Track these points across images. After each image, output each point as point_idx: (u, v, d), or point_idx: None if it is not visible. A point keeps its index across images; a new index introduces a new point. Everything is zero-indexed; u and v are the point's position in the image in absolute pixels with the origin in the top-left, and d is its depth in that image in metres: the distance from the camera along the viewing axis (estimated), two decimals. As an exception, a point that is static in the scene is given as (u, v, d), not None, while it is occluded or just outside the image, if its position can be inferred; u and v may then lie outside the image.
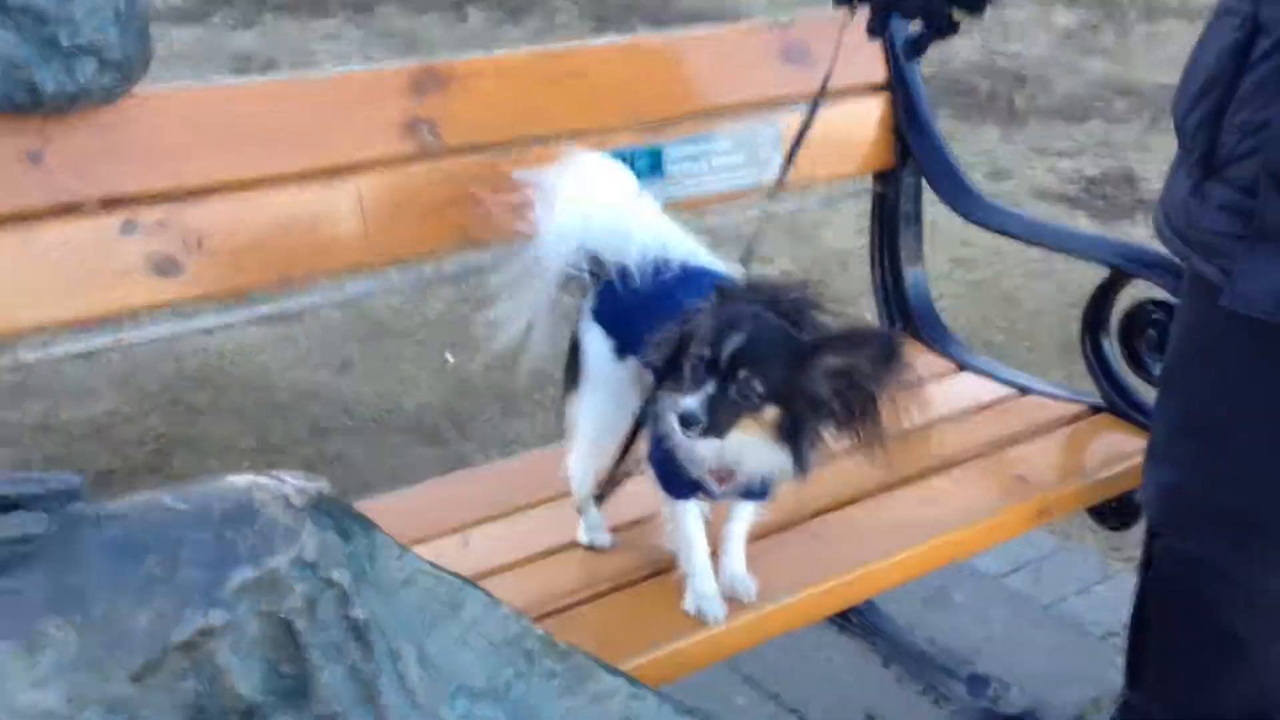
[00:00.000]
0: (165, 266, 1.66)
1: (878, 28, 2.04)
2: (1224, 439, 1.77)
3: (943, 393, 2.39)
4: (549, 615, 1.65)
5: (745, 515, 1.75)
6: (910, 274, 2.53)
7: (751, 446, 1.53)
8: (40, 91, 1.51)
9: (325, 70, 1.84)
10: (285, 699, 1.08)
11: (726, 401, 1.49)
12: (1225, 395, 1.77)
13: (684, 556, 1.70)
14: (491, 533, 1.85)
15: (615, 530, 1.83)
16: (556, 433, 3.30)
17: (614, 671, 1.28)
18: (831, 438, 1.54)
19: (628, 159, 2.06)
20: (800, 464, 1.54)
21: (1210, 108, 1.70)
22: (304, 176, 1.77)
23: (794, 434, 1.52)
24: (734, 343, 1.48)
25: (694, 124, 2.16)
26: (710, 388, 1.48)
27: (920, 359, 2.48)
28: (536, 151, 1.97)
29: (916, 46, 2.06)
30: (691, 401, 1.47)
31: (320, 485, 1.14)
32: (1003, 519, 1.96)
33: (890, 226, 2.53)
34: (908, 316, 2.53)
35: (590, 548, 1.82)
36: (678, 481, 1.64)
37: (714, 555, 1.73)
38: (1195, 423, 1.82)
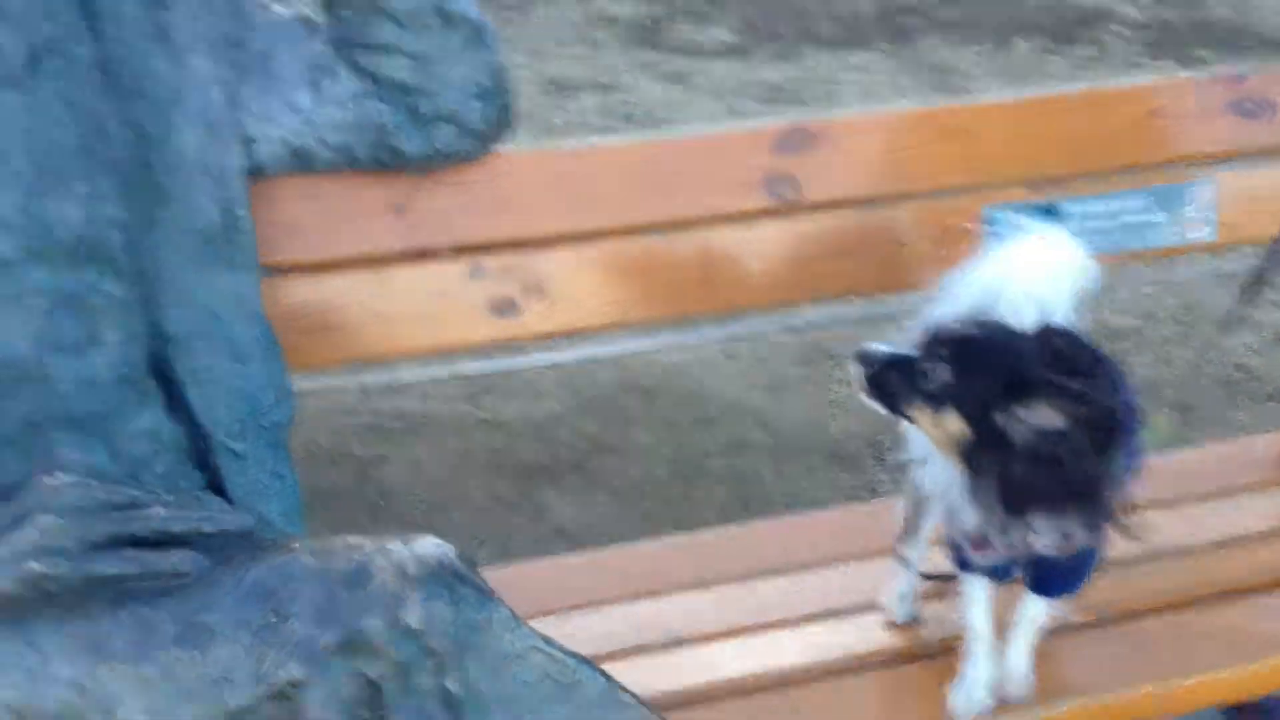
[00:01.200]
0: (503, 307, 1.76)
1: None
2: None
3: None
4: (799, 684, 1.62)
5: (1036, 606, 1.63)
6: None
7: (937, 460, 1.43)
8: (402, 154, 1.66)
9: (688, 130, 1.87)
10: None
11: (909, 370, 1.41)
12: None
13: (966, 638, 1.60)
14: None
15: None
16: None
17: None
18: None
19: (1014, 216, 1.95)
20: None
21: None
22: (646, 229, 1.82)
23: (980, 467, 1.37)
24: (948, 330, 1.40)
25: (1103, 182, 1.99)
26: (902, 350, 1.42)
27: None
28: (910, 209, 1.92)
29: None
30: (876, 346, 1.42)
31: (444, 553, 1.18)
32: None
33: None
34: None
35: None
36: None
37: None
38: None
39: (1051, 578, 1.59)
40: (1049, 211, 1.97)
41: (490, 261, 1.76)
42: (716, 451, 3.30)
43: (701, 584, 1.84)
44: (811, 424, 3.42)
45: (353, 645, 1.15)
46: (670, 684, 1.62)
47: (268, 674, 1.14)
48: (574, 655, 1.22)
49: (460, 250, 1.76)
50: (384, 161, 1.66)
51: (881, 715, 1.58)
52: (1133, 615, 1.77)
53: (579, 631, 1.71)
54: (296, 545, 1.22)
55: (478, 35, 1.63)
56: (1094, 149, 1.96)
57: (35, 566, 1.15)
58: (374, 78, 1.61)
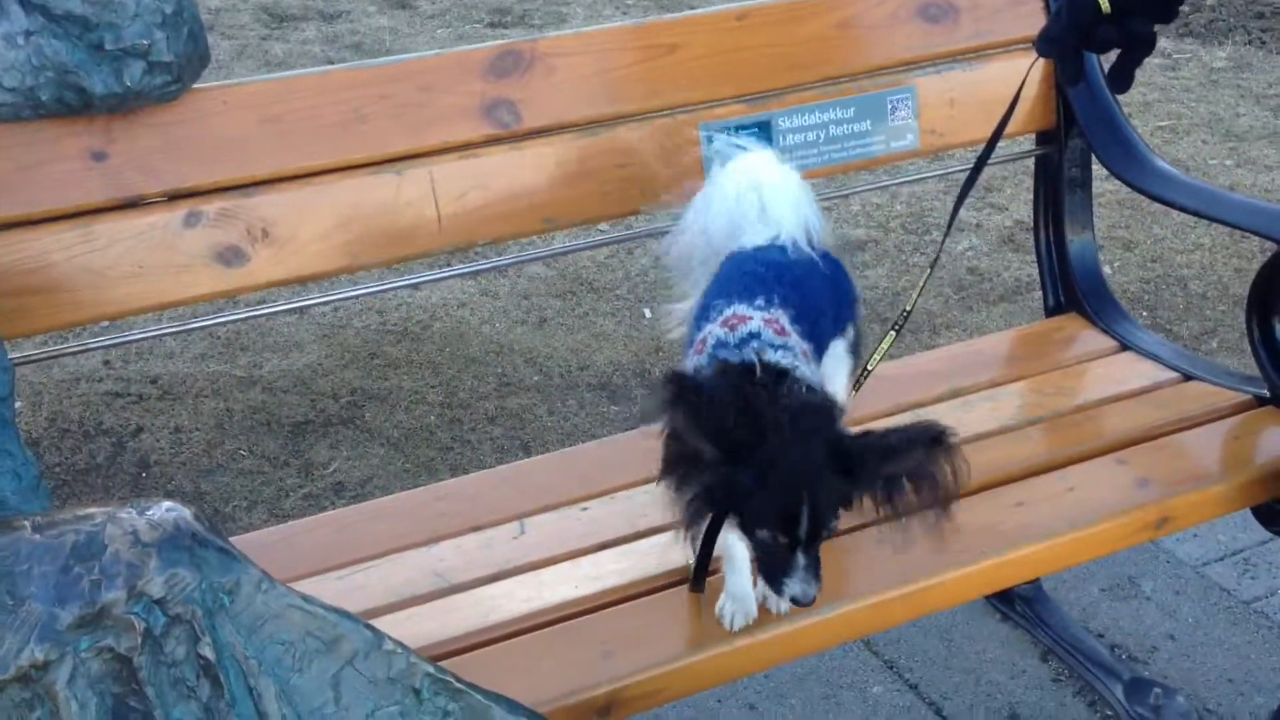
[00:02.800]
0: (229, 256, 1.71)
1: (1072, 76, 1.95)
2: None
3: (1101, 375, 2.20)
4: (570, 618, 1.62)
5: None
6: (1075, 244, 2.33)
7: None
8: (90, 93, 1.58)
9: (400, 58, 1.83)
10: None
11: (814, 559, 1.43)
12: None
13: (726, 555, 1.63)
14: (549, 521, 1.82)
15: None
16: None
17: (515, 710, 1.24)
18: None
19: (730, 133, 1.99)
20: None
21: None
22: (372, 164, 1.79)
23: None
24: (804, 522, 1.40)
25: (811, 93, 2.05)
26: (801, 561, 1.42)
27: (1081, 335, 2.31)
28: (633, 129, 1.93)
29: (1120, 80, 1.89)
30: (798, 588, 1.42)
31: (180, 516, 1.15)
32: (1118, 525, 1.78)
33: (1053, 192, 2.33)
34: (1071, 290, 2.34)
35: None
36: None
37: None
38: None
39: None
40: (762, 127, 2.01)
41: (207, 207, 1.71)
42: (487, 393, 3.29)
43: (474, 528, 1.81)
44: (578, 357, 3.44)
45: (94, 620, 1.11)
46: (447, 630, 1.60)
47: (7, 659, 1.08)
48: (335, 610, 1.19)
49: (173, 197, 1.69)
50: (72, 104, 1.58)
51: (659, 638, 1.59)
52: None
53: (355, 589, 1.69)
54: (22, 522, 1.16)
55: None
56: (797, 60, 2.01)
57: None
58: (45, 12, 1.53)
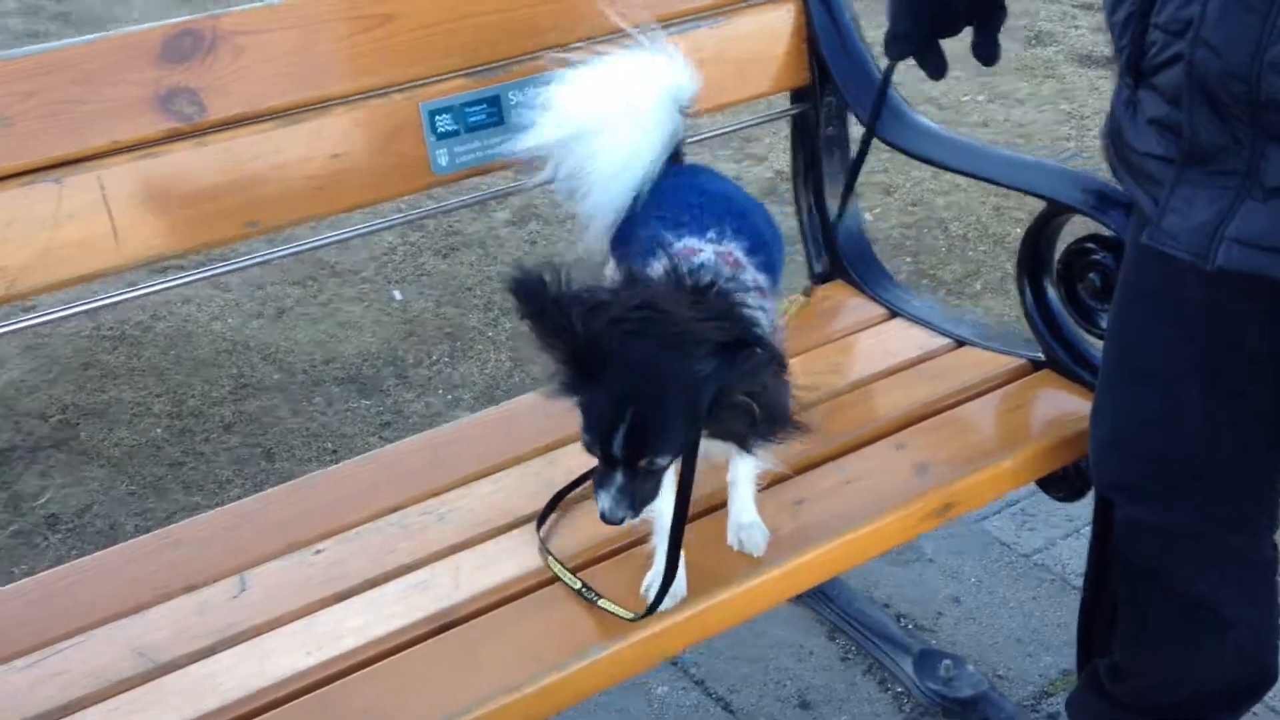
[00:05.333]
0: None
1: (935, 67, 1.76)
2: (1170, 387, 1.57)
3: (871, 345, 2.08)
4: (301, 693, 1.40)
5: (746, 463, 1.55)
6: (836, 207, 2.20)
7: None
8: None
9: (59, 43, 1.54)
10: None
11: (638, 486, 1.35)
12: (1171, 341, 1.56)
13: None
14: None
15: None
16: (505, 376, 3.07)
17: None
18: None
19: (458, 110, 1.77)
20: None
21: (1136, 3, 1.43)
22: (23, 173, 1.50)
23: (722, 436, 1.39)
24: (622, 436, 1.31)
25: (544, 62, 1.83)
26: (618, 479, 1.34)
27: (849, 304, 2.19)
28: (335, 117, 1.69)
29: (987, 51, 1.73)
30: (606, 502, 1.34)
31: None
32: (901, 518, 1.66)
33: (811, 152, 2.19)
34: (835, 255, 2.21)
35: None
36: None
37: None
38: (1139, 369, 1.61)
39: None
40: (491, 103, 1.80)
41: None
42: (221, 398, 3.00)
43: (188, 588, 1.55)
44: (323, 350, 3.17)
45: None
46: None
47: None
48: None
49: None
50: None
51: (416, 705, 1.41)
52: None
53: (51, 675, 1.43)
54: None
55: None
56: (527, 27, 1.81)
57: None
58: None
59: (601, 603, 1.48)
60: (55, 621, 1.52)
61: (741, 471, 1.57)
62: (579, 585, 1.51)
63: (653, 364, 1.31)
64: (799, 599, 2.44)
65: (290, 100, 1.65)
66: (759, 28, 2.02)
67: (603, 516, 1.35)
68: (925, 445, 1.76)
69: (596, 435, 1.33)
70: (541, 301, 1.28)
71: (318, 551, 1.59)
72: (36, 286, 1.52)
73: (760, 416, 1.35)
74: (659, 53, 1.64)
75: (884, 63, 1.84)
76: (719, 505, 1.62)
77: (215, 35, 1.60)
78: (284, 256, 1.81)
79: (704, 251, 1.45)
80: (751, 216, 1.57)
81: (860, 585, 2.48)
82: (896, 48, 1.72)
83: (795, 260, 2.26)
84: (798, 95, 2.15)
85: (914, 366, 2.01)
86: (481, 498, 1.68)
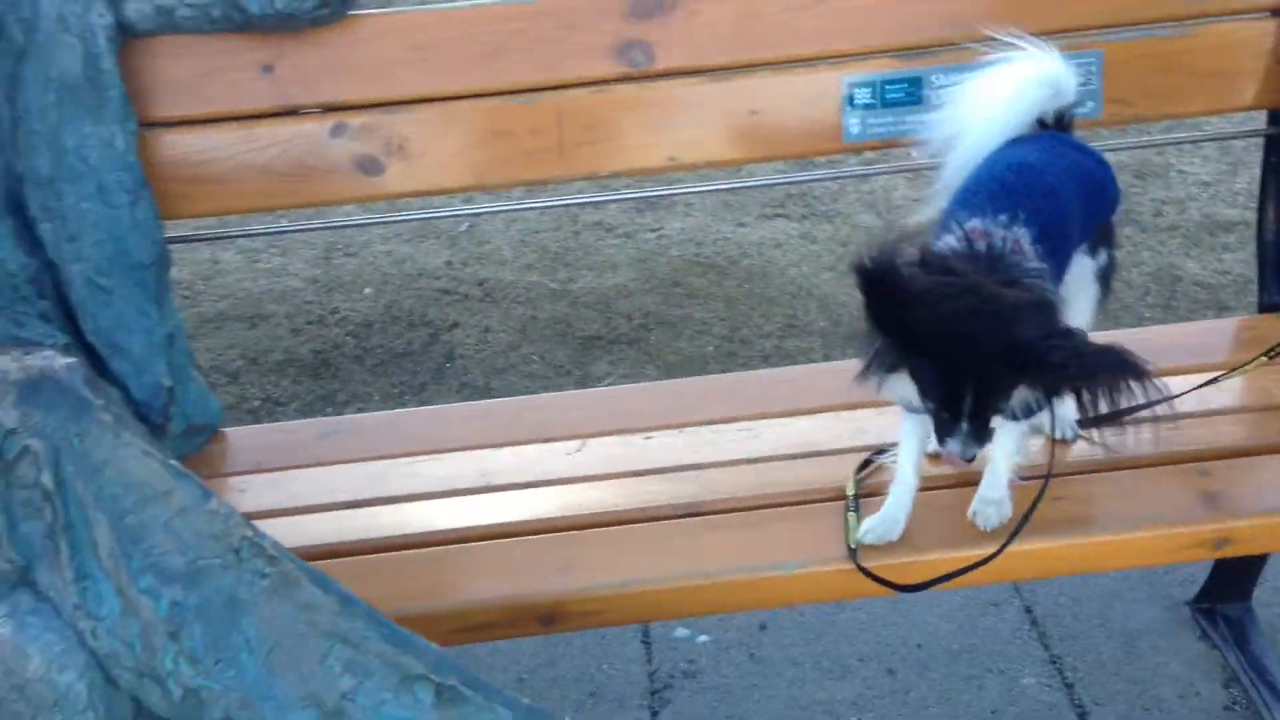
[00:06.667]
0: (366, 165, 1.94)
1: None
2: None
3: None
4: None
5: (1009, 440, 1.67)
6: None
7: None
8: (248, 12, 1.85)
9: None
10: None
11: (978, 431, 1.53)
12: None
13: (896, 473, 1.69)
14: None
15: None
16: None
17: (324, 585, 1.38)
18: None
19: (878, 86, 1.97)
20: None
21: None
22: (505, 93, 1.94)
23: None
24: (969, 401, 1.49)
25: (972, 52, 1.96)
26: (963, 428, 1.52)
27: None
28: (764, 75, 1.96)
29: None
30: (956, 445, 1.52)
31: (49, 366, 1.37)
32: (1155, 537, 1.63)
33: (1285, 179, 2.09)
34: (1295, 288, 2.09)
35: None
36: None
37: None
38: None
39: None
40: (913, 84, 1.97)
41: (354, 120, 1.94)
42: (770, 332, 3.38)
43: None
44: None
45: None
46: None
47: None
48: (173, 468, 1.40)
49: (326, 109, 1.94)
50: (236, 21, 1.85)
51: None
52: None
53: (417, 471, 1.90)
54: None
55: None
56: (960, 16, 1.93)
57: None
58: None
59: (849, 516, 1.65)
60: (429, 439, 1.97)
61: (1000, 450, 1.65)
62: (853, 491, 1.69)
63: (979, 331, 1.45)
64: (1213, 642, 2.34)
65: (726, 60, 1.95)
66: (1231, 41, 1.98)
67: (956, 455, 1.52)
68: (1232, 479, 1.69)
69: (941, 401, 1.50)
70: (883, 284, 1.46)
71: (647, 437, 1.91)
72: (495, 181, 1.97)
73: (1079, 371, 1.44)
74: (1043, 56, 1.72)
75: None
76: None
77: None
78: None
79: (992, 236, 1.56)
80: (1059, 194, 1.62)
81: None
82: None
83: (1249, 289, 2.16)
84: (1276, 116, 2.06)
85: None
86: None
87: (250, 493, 1.87)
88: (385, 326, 3.52)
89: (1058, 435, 1.76)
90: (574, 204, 3.71)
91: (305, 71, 1.92)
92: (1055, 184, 1.64)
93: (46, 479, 1.36)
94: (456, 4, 1.95)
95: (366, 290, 3.68)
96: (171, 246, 1.93)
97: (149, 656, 1.34)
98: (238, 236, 3.60)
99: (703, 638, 2.44)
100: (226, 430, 2.05)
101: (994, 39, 1.75)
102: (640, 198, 3.73)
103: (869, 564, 1.61)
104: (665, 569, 1.63)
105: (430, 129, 1.95)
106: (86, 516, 1.36)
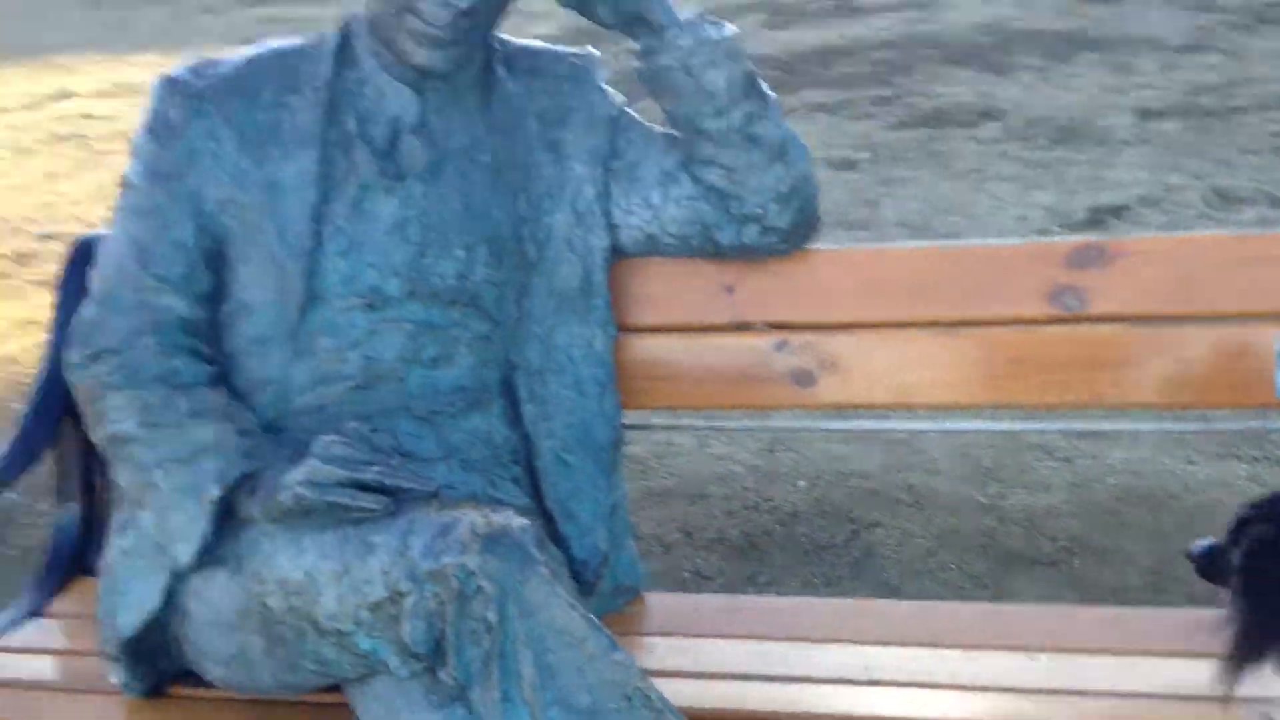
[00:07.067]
0: (800, 377, 2.17)
1: None
2: None
3: None
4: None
5: None
6: None
7: None
8: (719, 244, 2.13)
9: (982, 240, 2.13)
10: (434, 654, 1.66)
11: None
12: None
13: None
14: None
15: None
16: None
17: None
18: None
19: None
20: None
21: None
22: (933, 324, 2.12)
23: None
24: None
25: None
26: None
27: None
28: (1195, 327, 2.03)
29: None
30: None
31: (509, 525, 1.66)
32: None
33: None
34: None
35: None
36: None
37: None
38: None
39: None
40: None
41: (795, 338, 2.17)
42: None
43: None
44: None
45: (434, 573, 1.67)
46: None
47: (391, 582, 1.69)
48: (588, 620, 1.65)
49: (773, 326, 2.19)
50: (707, 250, 2.15)
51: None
52: None
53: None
54: (433, 504, 1.75)
55: (780, 152, 2.07)
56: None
57: (301, 491, 1.79)
58: (703, 184, 2.11)
59: None
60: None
61: None
62: None
63: None
64: None
65: (1153, 310, 2.04)
66: None
67: None
68: None
69: None
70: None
71: (1032, 658, 1.99)
72: (916, 402, 2.16)
73: None
74: None
75: None
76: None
77: (1113, 252, 2.06)
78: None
79: None
80: None
81: None
82: None
83: None
84: None
85: None
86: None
87: (656, 653, 2.10)
88: (812, 519, 3.71)
89: None
90: (1015, 429, 3.77)
91: (760, 294, 2.19)
92: None
93: (492, 615, 1.64)
94: (892, 245, 2.16)
95: (800, 483, 3.90)
96: (628, 430, 2.22)
97: (551, 777, 1.59)
98: (685, 428, 3.93)
99: None
100: (646, 594, 2.30)
101: None
102: (1086, 431, 3.76)
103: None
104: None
105: (857, 350, 2.15)
106: (517, 651, 1.63)
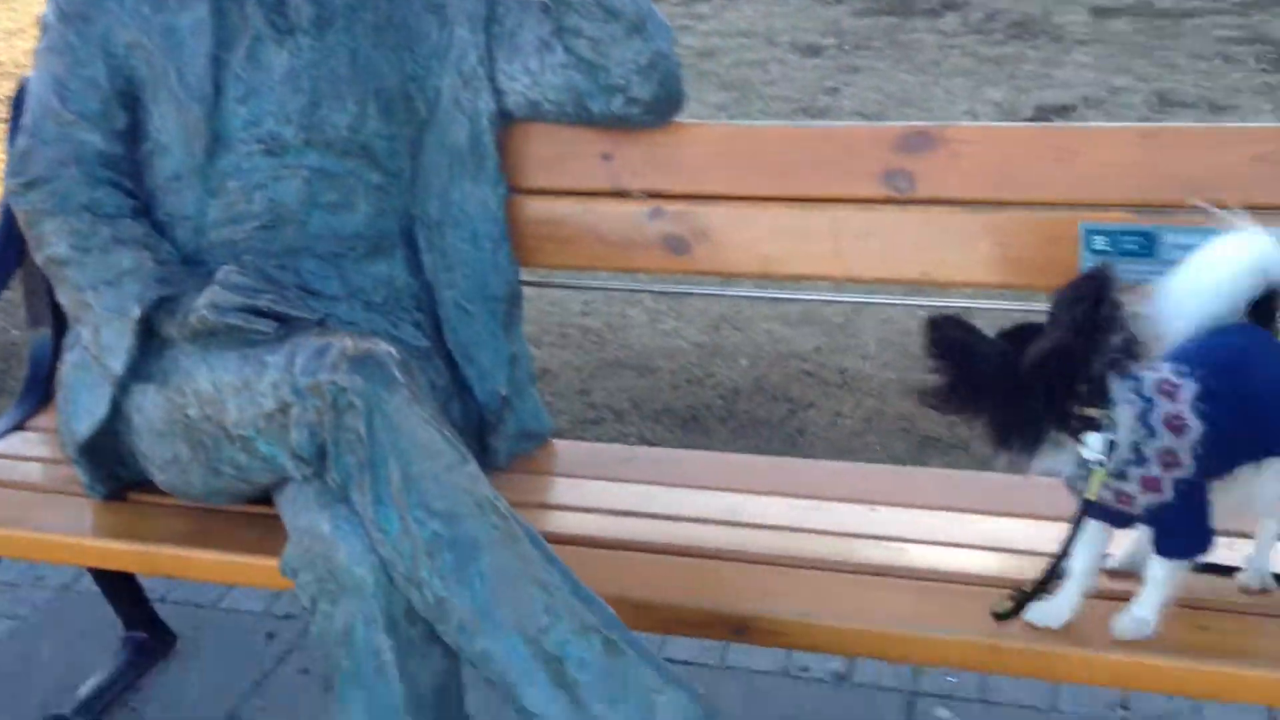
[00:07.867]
0: (674, 245, 2.42)
1: None
2: None
3: None
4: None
5: (1159, 566, 1.83)
6: None
7: None
8: (592, 113, 2.35)
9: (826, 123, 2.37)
10: (319, 459, 1.93)
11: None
12: None
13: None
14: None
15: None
16: None
17: (536, 544, 1.87)
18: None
19: (1114, 236, 2.24)
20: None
21: None
22: (788, 200, 2.37)
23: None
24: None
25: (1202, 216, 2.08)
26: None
27: None
28: (1010, 213, 2.29)
29: None
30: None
31: (373, 347, 1.92)
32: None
33: None
34: None
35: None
36: None
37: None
38: None
39: (1167, 539, 1.82)
40: (1147, 238, 2.22)
41: (669, 207, 2.42)
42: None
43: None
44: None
45: (312, 387, 1.89)
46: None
47: (280, 395, 1.95)
48: (447, 436, 1.89)
49: (649, 194, 2.43)
50: (583, 118, 2.36)
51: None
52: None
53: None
54: (316, 330, 2.01)
55: (637, 26, 2.25)
56: (1201, 185, 2.16)
57: (205, 313, 2.05)
58: (574, 54, 2.30)
59: (1007, 592, 1.90)
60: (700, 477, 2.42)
61: (1154, 573, 1.83)
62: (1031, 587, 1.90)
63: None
64: None
65: (977, 195, 2.29)
66: None
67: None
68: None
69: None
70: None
71: (873, 509, 2.28)
72: (776, 273, 2.41)
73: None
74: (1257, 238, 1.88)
75: None
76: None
77: (940, 138, 2.30)
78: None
79: (1157, 371, 1.80)
80: (1239, 374, 1.81)
81: None
82: None
83: None
84: None
85: None
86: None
87: (556, 489, 2.40)
88: (751, 395, 4.00)
89: (1256, 585, 1.93)
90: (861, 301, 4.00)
91: (634, 163, 2.42)
92: (1239, 363, 1.81)
93: (361, 427, 1.90)
94: (758, 123, 2.40)
95: (743, 361, 4.17)
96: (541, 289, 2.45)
97: (413, 568, 1.86)
98: (574, 287, 4.12)
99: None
100: (555, 441, 2.59)
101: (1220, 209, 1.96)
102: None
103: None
104: (840, 608, 2.00)
105: (729, 222, 2.40)
106: (386, 459, 1.88)
